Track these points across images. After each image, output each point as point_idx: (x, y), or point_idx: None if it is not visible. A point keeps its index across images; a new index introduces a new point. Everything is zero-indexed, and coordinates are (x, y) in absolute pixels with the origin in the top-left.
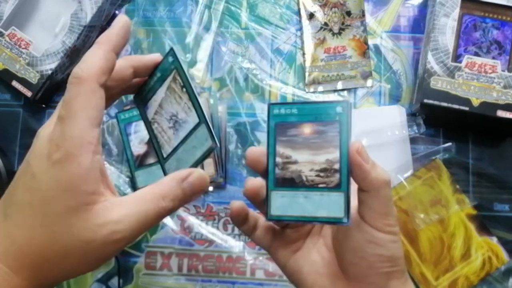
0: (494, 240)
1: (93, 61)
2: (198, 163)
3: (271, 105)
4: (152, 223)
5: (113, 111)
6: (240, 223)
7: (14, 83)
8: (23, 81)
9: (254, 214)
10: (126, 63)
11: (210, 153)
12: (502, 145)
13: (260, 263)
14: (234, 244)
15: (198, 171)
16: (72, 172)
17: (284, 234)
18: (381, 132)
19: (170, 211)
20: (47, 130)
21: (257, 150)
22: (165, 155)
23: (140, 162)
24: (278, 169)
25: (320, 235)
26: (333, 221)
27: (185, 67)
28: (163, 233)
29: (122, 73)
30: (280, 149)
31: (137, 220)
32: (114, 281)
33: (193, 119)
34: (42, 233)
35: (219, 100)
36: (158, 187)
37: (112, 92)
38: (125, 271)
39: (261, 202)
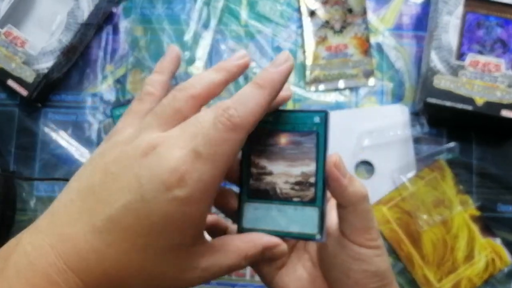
0: (498, 241)
1: (253, 109)
2: (285, 236)
3: None
4: (225, 274)
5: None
6: (213, 235)
7: (10, 82)
8: (19, 80)
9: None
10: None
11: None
12: (506, 145)
13: None
14: None
15: (284, 245)
16: (189, 216)
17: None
18: (383, 132)
19: (243, 267)
20: (170, 151)
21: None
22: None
23: None
24: (252, 180)
25: (305, 250)
26: (306, 237)
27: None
28: None
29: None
30: (255, 159)
31: (219, 272)
32: None
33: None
34: (137, 262)
35: (218, 99)
36: (245, 245)
37: None
38: None
39: (229, 211)
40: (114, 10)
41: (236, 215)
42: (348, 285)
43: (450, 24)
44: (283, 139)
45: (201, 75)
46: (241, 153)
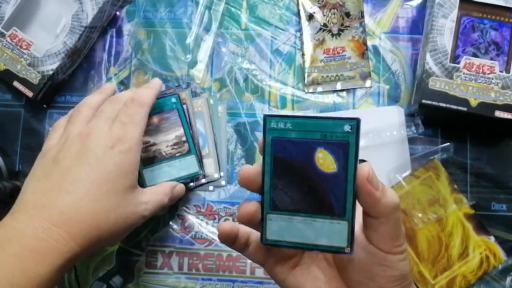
0: (492, 239)
1: (150, 95)
2: (180, 180)
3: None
4: (160, 210)
5: None
6: (231, 243)
7: (16, 84)
8: (24, 82)
9: (246, 230)
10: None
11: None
12: (500, 145)
13: None
14: None
15: (181, 184)
16: (131, 161)
17: (279, 249)
18: (379, 133)
19: (167, 205)
20: (101, 129)
21: (251, 169)
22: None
23: None
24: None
25: None
26: (334, 250)
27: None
28: (163, 232)
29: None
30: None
31: (156, 205)
32: (116, 279)
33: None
34: (105, 204)
35: (219, 100)
36: (162, 188)
37: None
38: (126, 270)
39: (258, 225)
40: (118, 13)
41: (260, 227)
42: None
43: (445, 27)
44: (155, 119)
45: (144, 91)
46: (262, 162)
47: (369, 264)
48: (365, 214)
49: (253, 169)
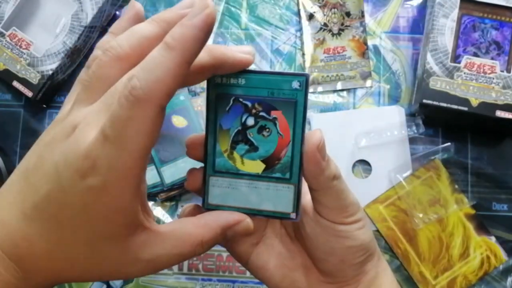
0: (493, 239)
1: (160, 75)
2: (255, 215)
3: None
4: (178, 263)
5: None
6: None
7: (15, 83)
8: (23, 82)
9: None
10: (209, 57)
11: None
12: (501, 145)
13: None
14: None
15: (248, 221)
16: (108, 205)
17: None
18: (380, 133)
19: (205, 250)
20: (85, 133)
21: (199, 137)
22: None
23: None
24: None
25: (282, 225)
26: (279, 216)
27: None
28: None
29: (202, 68)
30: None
31: (170, 262)
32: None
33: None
34: (68, 256)
35: None
36: (201, 231)
37: None
38: None
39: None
40: (117, 13)
41: (202, 191)
42: (333, 263)
43: (446, 26)
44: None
45: (132, 29)
46: (206, 121)
47: (326, 238)
48: (309, 188)
49: (200, 135)
